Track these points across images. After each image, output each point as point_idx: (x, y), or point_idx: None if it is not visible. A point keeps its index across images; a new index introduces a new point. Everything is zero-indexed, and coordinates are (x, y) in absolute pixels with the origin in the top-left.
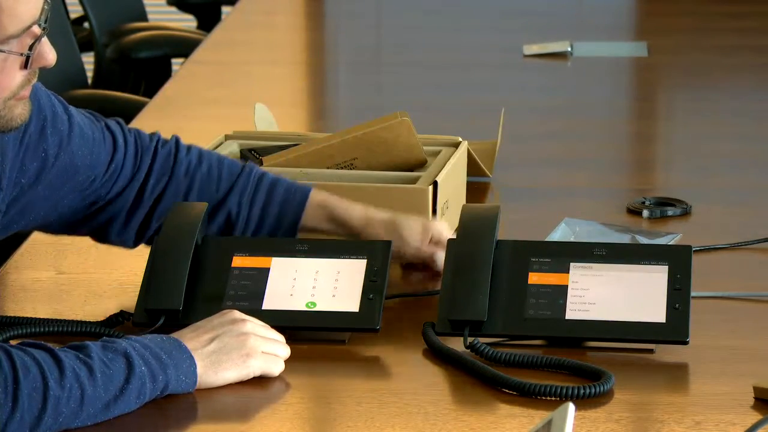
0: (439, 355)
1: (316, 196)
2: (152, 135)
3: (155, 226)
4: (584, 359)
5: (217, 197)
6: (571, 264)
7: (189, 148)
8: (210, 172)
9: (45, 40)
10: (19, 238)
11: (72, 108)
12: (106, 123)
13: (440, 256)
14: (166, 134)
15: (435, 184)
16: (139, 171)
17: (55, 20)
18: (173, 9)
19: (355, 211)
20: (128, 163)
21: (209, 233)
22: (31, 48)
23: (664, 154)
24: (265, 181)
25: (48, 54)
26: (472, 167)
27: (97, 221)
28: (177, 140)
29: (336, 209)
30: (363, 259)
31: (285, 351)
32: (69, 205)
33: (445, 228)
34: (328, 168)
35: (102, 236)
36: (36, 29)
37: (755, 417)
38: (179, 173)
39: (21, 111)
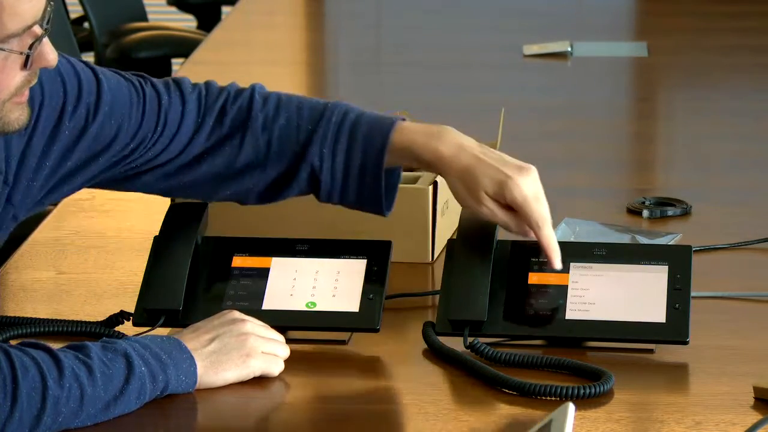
0: (439, 355)
1: (398, 138)
2: (224, 89)
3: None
4: (584, 359)
5: (297, 150)
6: (571, 264)
7: (267, 98)
8: (288, 123)
9: (46, 40)
10: (19, 238)
11: (105, 74)
12: (153, 83)
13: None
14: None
15: (435, 184)
16: (200, 130)
17: (55, 20)
18: (173, 9)
19: (441, 160)
20: (187, 124)
21: (299, 191)
22: (31, 47)
23: (664, 154)
24: (347, 124)
25: (49, 54)
26: None
27: (179, 181)
28: (253, 91)
29: (420, 150)
30: (363, 259)
31: (285, 351)
32: (110, 173)
33: (523, 186)
34: None
35: (207, 195)
36: (37, 29)
37: (755, 417)
38: (255, 127)
39: (18, 115)
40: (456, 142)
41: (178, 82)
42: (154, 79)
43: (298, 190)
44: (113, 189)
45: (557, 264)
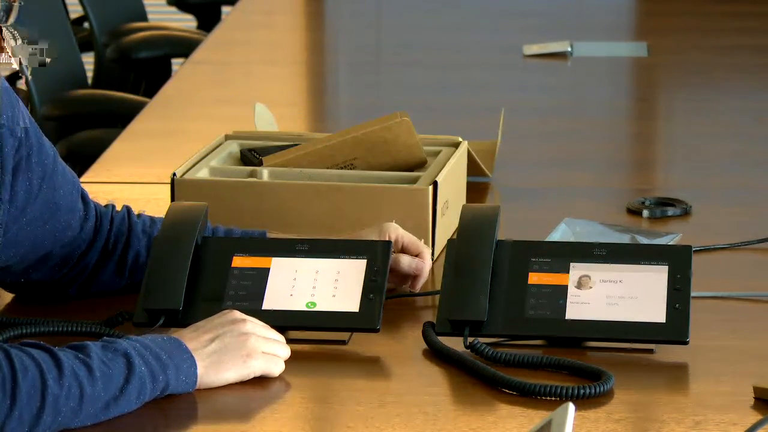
0: (439, 355)
1: (272, 235)
2: (106, 205)
3: (120, 282)
4: (584, 359)
5: None
6: (571, 264)
7: (139, 214)
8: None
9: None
10: None
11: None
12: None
13: (404, 259)
14: (166, 135)
15: (435, 184)
16: (100, 233)
17: (55, 20)
18: (173, 9)
19: None
20: (91, 227)
21: None
22: None
23: (664, 154)
24: (220, 230)
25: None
26: (472, 167)
27: (61, 279)
28: (128, 208)
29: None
30: (363, 259)
31: (285, 351)
32: (47, 247)
33: (393, 228)
34: (328, 168)
35: (63, 292)
36: None
37: (755, 417)
38: (137, 231)
39: None
40: None
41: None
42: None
43: None
44: (25, 280)
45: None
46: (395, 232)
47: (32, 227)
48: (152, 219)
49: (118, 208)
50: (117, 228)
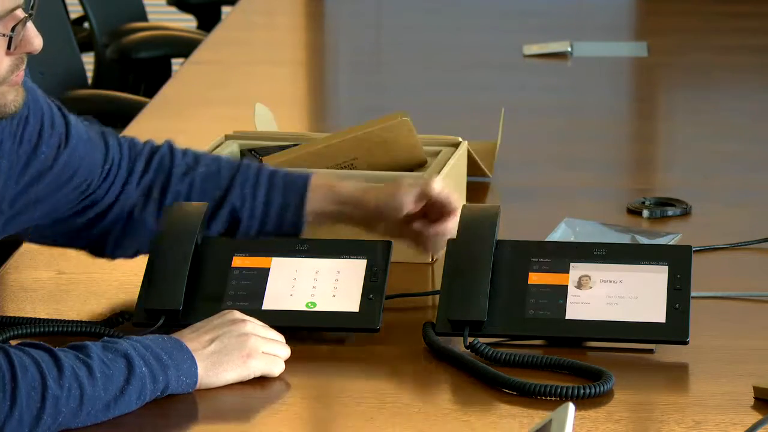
0: (439, 355)
1: (317, 180)
2: (146, 142)
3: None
4: (584, 359)
5: (219, 194)
6: (571, 264)
7: (184, 151)
8: (208, 169)
9: (30, 25)
10: (19, 239)
11: (68, 113)
12: (100, 127)
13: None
14: (166, 135)
15: None
16: (132, 174)
17: (55, 20)
18: (173, 9)
19: (356, 186)
20: (123, 167)
21: (218, 230)
22: (13, 30)
23: (664, 154)
24: (265, 172)
25: (33, 39)
26: (472, 167)
27: (95, 230)
28: (170, 144)
29: (338, 187)
30: (363, 259)
31: (285, 351)
32: (64, 210)
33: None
34: (328, 168)
35: (99, 248)
36: (20, 13)
37: (755, 417)
38: (177, 173)
39: (14, 97)
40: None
41: (106, 133)
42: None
43: (217, 228)
44: (56, 241)
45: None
46: (429, 190)
47: (47, 192)
48: (196, 157)
49: (158, 131)
50: (154, 170)
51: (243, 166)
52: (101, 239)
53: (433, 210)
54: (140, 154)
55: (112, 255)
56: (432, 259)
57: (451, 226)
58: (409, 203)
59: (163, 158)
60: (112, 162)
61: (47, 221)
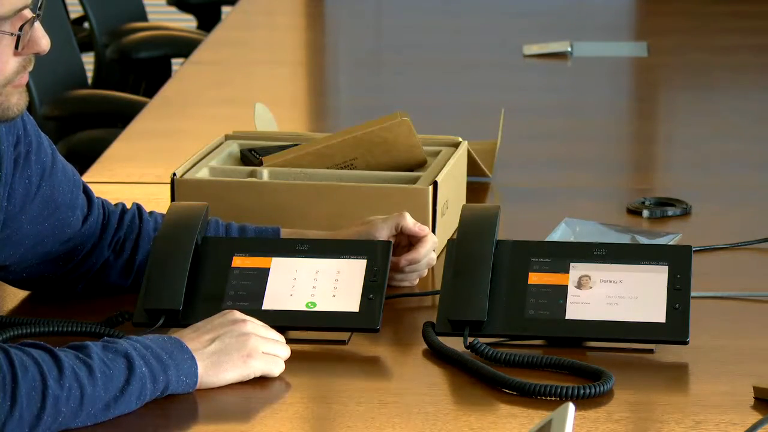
0: (439, 355)
1: (286, 231)
2: (116, 204)
3: (127, 284)
4: (584, 359)
5: None
6: (571, 264)
7: (151, 212)
8: None
9: (38, 26)
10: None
11: (56, 149)
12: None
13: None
14: (166, 135)
15: (435, 184)
16: (107, 231)
17: (55, 20)
18: (173, 9)
19: (326, 234)
20: (98, 223)
21: None
22: (21, 29)
23: (664, 154)
24: (234, 226)
25: (41, 39)
26: (472, 167)
27: (66, 278)
28: (139, 206)
29: (308, 235)
30: (363, 259)
31: (285, 351)
32: (47, 246)
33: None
34: (328, 168)
35: (70, 291)
36: (27, 13)
37: (755, 417)
38: (148, 230)
39: (17, 100)
40: None
41: (86, 186)
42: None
43: None
44: (29, 279)
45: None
46: (401, 221)
47: (32, 225)
48: (163, 217)
49: (128, 205)
50: (126, 227)
51: (212, 222)
52: (71, 285)
53: (403, 242)
54: (113, 212)
55: (82, 294)
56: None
57: (422, 252)
58: (382, 239)
59: (133, 217)
60: (93, 214)
61: (31, 258)
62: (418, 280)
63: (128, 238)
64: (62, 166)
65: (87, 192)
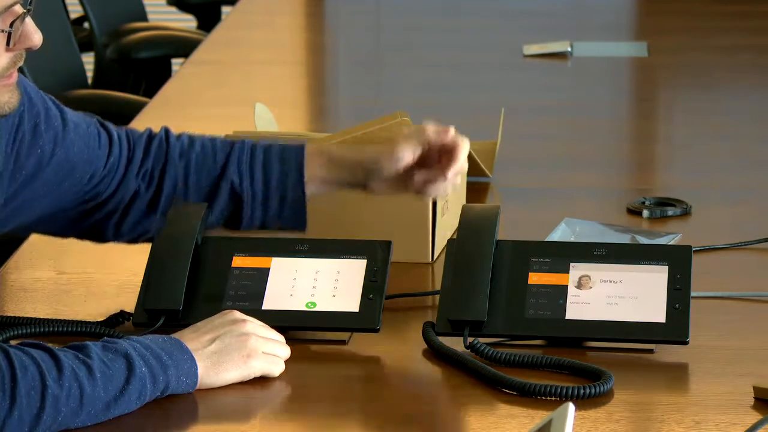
0: (439, 355)
1: (312, 147)
2: (144, 131)
3: (157, 218)
4: (584, 359)
5: (216, 172)
6: (571, 264)
7: (179, 134)
8: (204, 149)
9: (29, 21)
10: (19, 239)
11: (64, 106)
12: (99, 119)
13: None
14: None
15: None
16: (132, 163)
17: (55, 20)
18: (173, 9)
19: (351, 148)
20: (123, 156)
21: (222, 209)
22: (11, 25)
23: (664, 154)
24: (260, 146)
25: (33, 35)
26: (472, 167)
27: (94, 219)
28: (167, 129)
29: (334, 151)
30: (363, 259)
31: (285, 351)
32: (68, 203)
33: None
34: None
35: (99, 235)
36: (18, 8)
37: (755, 417)
38: (174, 156)
39: (9, 98)
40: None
41: (108, 126)
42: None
43: (220, 210)
44: (55, 232)
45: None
46: (426, 135)
47: (48, 187)
48: (191, 139)
49: (156, 129)
50: (154, 155)
51: (237, 143)
52: (101, 226)
53: (432, 155)
54: (138, 142)
55: (114, 239)
56: (433, 259)
57: (462, 159)
58: (407, 154)
59: (160, 143)
60: (114, 156)
61: (49, 215)
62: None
63: (155, 167)
64: (74, 124)
65: (106, 129)
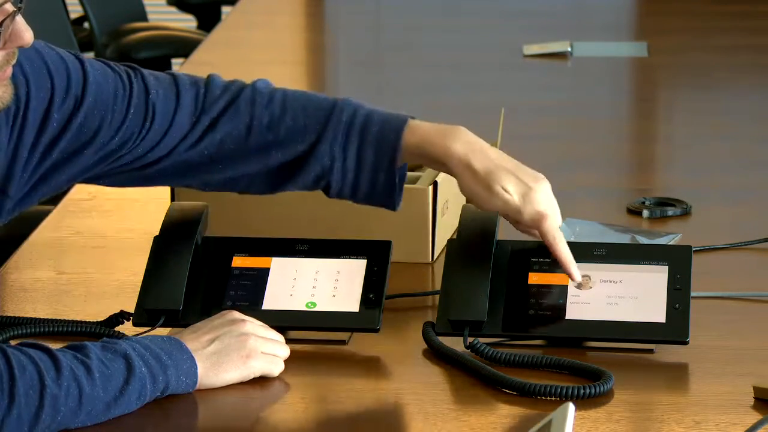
0: (439, 355)
1: (410, 137)
2: (226, 88)
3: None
4: (584, 359)
5: (306, 149)
6: None
7: (272, 96)
8: (296, 122)
9: (20, 19)
10: (19, 238)
11: (93, 65)
12: (143, 76)
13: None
14: None
15: (435, 184)
16: (194, 131)
17: (55, 20)
18: (173, 9)
19: (453, 158)
20: (180, 120)
21: (306, 184)
22: (2, 24)
23: (664, 154)
24: (357, 123)
25: (24, 33)
26: None
27: (142, 162)
28: (254, 90)
29: (432, 152)
30: (363, 259)
31: (285, 351)
32: (97, 170)
33: (541, 199)
34: None
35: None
36: (9, 7)
37: (755, 417)
38: (261, 127)
39: (1, 93)
40: (469, 142)
41: (175, 77)
42: (147, 72)
43: (303, 186)
44: (110, 185)
45: (577, 276)
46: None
47: (68, 153)
48: (283, 105)
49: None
50: (230, 117)
51: (335, 114)
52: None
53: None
54: (209, 108)
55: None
56: (433, 259)
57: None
58: (517, 227)
59: (244, 106)
60: (154, 117)
61: (94, 179)
62: None
63: (230, 135)
64: (96, 89)
65: (146, 86)
